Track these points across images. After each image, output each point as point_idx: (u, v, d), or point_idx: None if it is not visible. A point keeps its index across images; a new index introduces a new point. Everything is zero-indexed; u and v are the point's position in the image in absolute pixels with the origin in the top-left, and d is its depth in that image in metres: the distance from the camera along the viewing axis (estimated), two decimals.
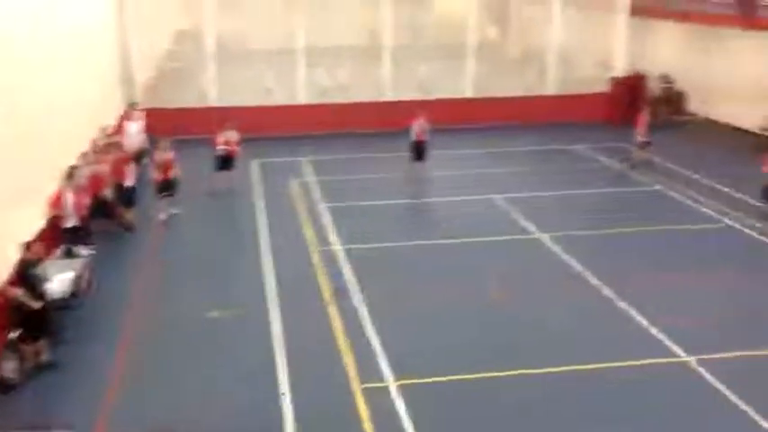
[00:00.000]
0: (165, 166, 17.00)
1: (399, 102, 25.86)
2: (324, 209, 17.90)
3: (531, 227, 16.48)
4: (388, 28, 26.56)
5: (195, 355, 11.40)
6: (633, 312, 12.45)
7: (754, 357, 11.06)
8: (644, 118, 21.27)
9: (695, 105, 28.10)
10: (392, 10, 26.47)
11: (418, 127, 20.13)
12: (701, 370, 10.70)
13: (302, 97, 26.03)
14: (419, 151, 20.17)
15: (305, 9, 25.98)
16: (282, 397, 10.21)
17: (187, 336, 12.00)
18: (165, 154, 17.11)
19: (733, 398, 10.03)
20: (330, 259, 14.88)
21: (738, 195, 18.24)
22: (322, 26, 26.40)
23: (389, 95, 26.39)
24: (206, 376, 10.83)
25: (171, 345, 11.72)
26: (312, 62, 26.16)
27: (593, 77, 27.93)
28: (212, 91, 25.29)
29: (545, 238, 15.83)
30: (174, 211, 17.04)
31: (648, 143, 21.04)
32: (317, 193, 19.11)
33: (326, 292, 13.36)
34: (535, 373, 10.72)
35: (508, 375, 10.68)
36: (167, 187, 17.08)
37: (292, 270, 14.42)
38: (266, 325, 12.20)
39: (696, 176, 19.98)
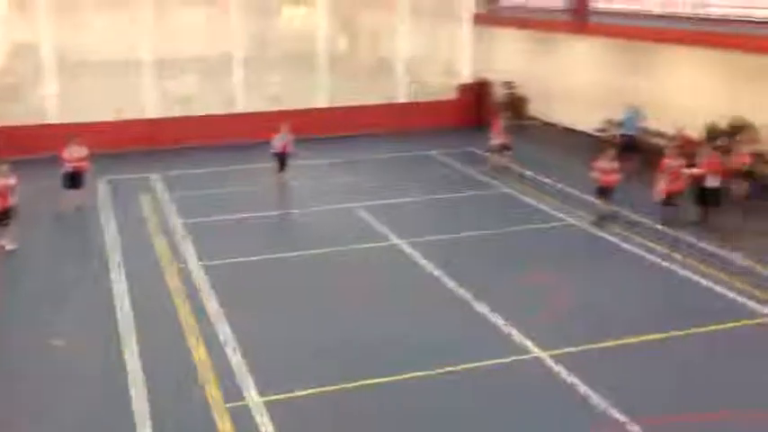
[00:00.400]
0: (4, 193, 15.89)
1: (252, 113, 25.65)
2: (178, 225, 17.44)
3: (390, 234, 16.73)
4: (238, 39, 26.29)
5: (38, 389, 10.74)
6: (489, 313, 12.84)
7: (604, 349, 11.66)
8: (499, 123, 22.05)
9: (536, 110, 29.47)
10: (242, 21, 26.23)
11: (282, 138, 20.06)
12: (555, 365, 11.16)
13: (151, 111, 25.27)
14: (282, 162, 20.15)
15: (151, 20, 25.27)
16: (141, 425, 9.83)
17: (31, 368, 11.32)
18: (4, 179, 15.97)
19: (586, 390, 10.51)
20: (187, 278, 14.51)
21: (582, 195, 19.20)
22: (170, 37, 25.76)
23: (241, 107, 26.12)
24: (53, 410, 10.26)
25: (12, 378, 11.03)
26: (161, 74, 25.47)
27: (442, 85, 28.75)
28: (51, 106, 24.09)
29: (404, 244, 16.11)
30: (10, 246, 15.94)
31: (506, 147, 21.77)
32: (170, 210, 18.59)
33: (184, 312, 13.02)
34: (398, 379, 10.85)
35: (372, 384, 10.75)
36: (6, 216, 15.95)
37: (146, 291, 13.95)
38: (119, 350, 11.72)
39: (541, 178, 20.93)
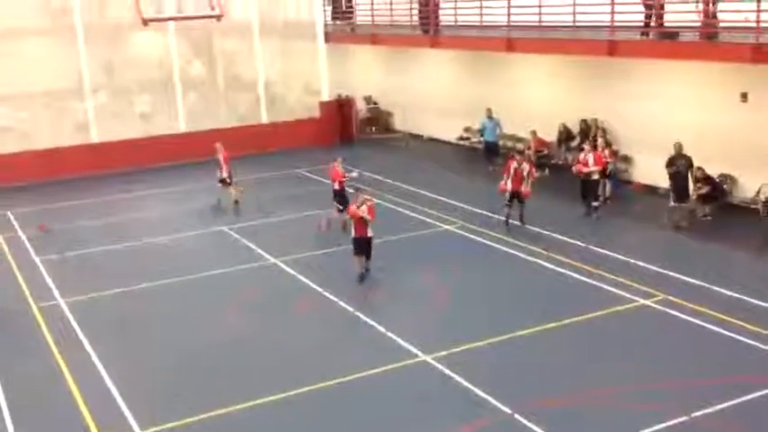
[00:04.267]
0: None
1: (108, 143, 24.81)
2: (39, 262, 16.51)
3: (265, 254, 16.43)
4: (86, 67, 25.24)
5: None
6: (371, 321, 12.80)
7: (481, 347, 11.79)
8: (226, 153, 19.70)
9: (399, 123, 29.90)
10: (91, 49, 25.24)
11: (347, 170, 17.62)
12: (439, 365, 11.20)
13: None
14: (343, 199, 17.19)
15: None
16: None
17: None
18: None
19: (468, 385, 10.60)
20: (54, 314, 13.72)
21: (451, 202, 19.55)
22: (11, 70, 24.30)
23: (96, 137, 25.16)
24: None
25: None
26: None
27: (303, 104, 28.66)
28: None
29: (281, 262, 15.86)
30: None
31: (224, 181, 19.80)
32: (28, 246, 17.57)
33: (54, 348, 12.28)
34: (290, 395, 10.59)
35: (262, 403, 10.45)
36: None
37: (12, 328, 13.23)
38: None
39: (410, 187, 21.13)
